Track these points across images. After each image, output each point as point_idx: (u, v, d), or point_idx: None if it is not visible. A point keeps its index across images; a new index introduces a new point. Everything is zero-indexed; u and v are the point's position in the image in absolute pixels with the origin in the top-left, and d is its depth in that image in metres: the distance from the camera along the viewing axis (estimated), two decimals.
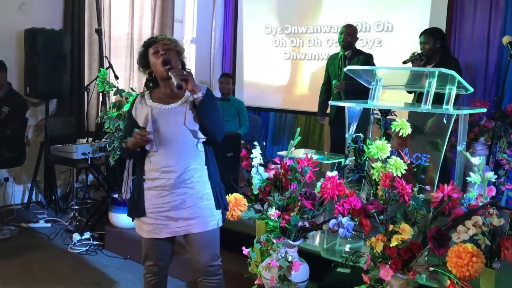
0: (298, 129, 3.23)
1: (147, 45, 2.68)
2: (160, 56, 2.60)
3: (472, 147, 4.81)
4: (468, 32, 5.31)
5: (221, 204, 2.72)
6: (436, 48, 4.54)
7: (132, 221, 2.80)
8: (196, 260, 2.70)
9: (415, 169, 3.18)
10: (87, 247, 4.55)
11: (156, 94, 2.72)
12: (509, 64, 4.25)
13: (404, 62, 4.53)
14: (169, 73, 2.56)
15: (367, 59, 5.08)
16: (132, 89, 4.48)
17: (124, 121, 4.15)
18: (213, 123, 2.63)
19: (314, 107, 6.30)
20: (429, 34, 4.60)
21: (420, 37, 4.66)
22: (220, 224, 2.73)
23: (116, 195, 4.51)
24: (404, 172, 2.93)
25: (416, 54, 4.53)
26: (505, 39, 4.45)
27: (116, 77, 5.43)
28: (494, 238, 2.45)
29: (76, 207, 5.21)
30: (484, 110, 3.79)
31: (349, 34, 5.10)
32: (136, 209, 2.70)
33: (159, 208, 2.63)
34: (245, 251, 3.06)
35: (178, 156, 2.61)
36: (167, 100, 2.67)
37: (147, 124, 2.61)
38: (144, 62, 2.71)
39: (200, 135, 2.62)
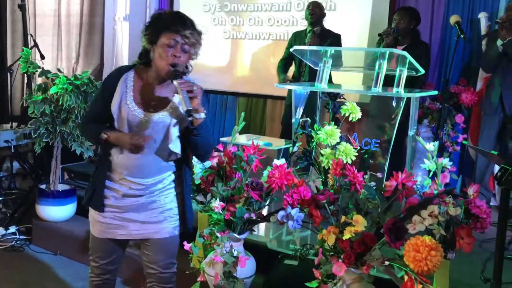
0: (243, 113, 3.04)
1: (163, 27, 2.27)
2: (172, 57, 2.25)
3: (417, 129, 4.79)
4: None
5: (185, 212, 2.48)
6: (409, 28, 4.47)
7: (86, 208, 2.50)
8: (151, 265, 2.45)
9: (365, 155, 3.08)
10: (13, 242, 4.25)
11: (142, 81, 2.36)
12: (457, 45, 4.20)
13: (379, 35, 4.46)
14: (176, 84, 2.21)
15: (337, 39, 4.89)
16: (59, 70, 4.15)
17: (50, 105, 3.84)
18: (205, 146, 2.36)
19: (255, 88, 6.15)
20: (405, 12, 4.55)
21: (394, 14, 4.60)
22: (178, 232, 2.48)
23: (43, 186, 4.20)
24: (354, 158, 2.81)
25: (391, 28, 4.46)
26: (452, 19, 4.41)
27: (42, 57, 5.09)
28: (448, 227, 2.38)
29: (1, 198, 4.84)
30: (435, 92, 3.74)
31: (317, 7, 4.91)
32: (92, 200, 2.40)
33: (117, 208, 2.37)
34: (187, 246, 2.87)
35: (147, 169, 2.34)
36: (150, 99, 2.31)
37: (121, 118, 2.29)
38: (152, 38, 2.29)
39: (179, 153, 2.37)
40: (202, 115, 2.23)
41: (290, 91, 4.62)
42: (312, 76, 4.48)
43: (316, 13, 4.86)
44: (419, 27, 4.70)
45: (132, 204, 2.36)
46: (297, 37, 5.09)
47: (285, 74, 5.06)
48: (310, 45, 4.64)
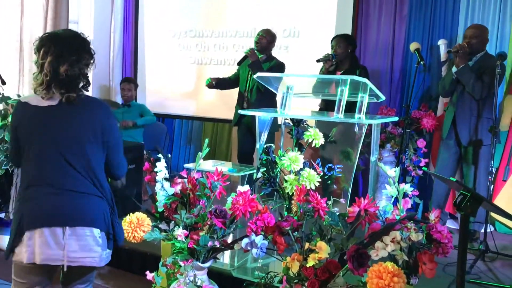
0: (207, 140, 3.03)
1: None
2: None
3: (379, 154, 4.84)
4: (373, 39, 5.37)
5: None
6: (347, 52, 4.61)
7: None
8: None
9: (328, 181, 3.08)
10: None
11: None
12: (417, 71, 4.30)
13: (318, 61, 4.54)
14: None
15: (279, 66, 4.91)
16: (19, 95, 4.06)
17: (9, 133, 3.75)
18: None
19: (221, 113, 6.13)
20: (341, 38, 4.69)
21: (332, 41, 4.72)
22: None
23: (2, 215, 4.07)
24: (317, 185, 2.82)
25: (329, 54, 4.56)
26: (412, 46, 4.52)
27: (3, 83, 4.96)
28: (411, 252, 2.39)
29: None
30: (396, 118, 3.80)
31: (265, 37, 4.92)
32: None
33: None
34: (149, 275, 2.81)
35: None
36: None
37: None
38: None
39: None
40: None
41: (236, 114, 4.90)
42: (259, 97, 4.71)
43: (262, 43, 4.91)
44: (380, 52, 4.80)
45: None
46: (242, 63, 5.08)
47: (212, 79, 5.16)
48: (249, 57, 4.73)
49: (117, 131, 2.42)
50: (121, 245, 2.49)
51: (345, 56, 4.62)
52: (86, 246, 2.26)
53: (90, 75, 2.43)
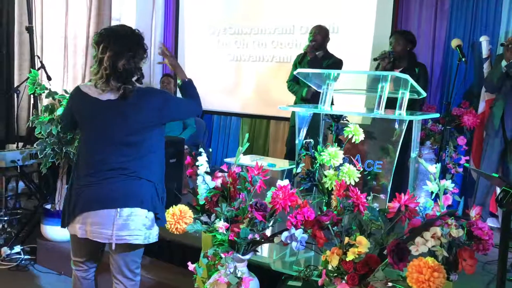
0: (247, 135, 3.08)
1: None
2: None
3: (419, 151, 4.80)
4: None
5: None
6: (406, 51, 4.52)
7: None
8: None
9: (368, 177, 3.09)
10: (18, 262, 4.24)
11: None
12: (458, 68, 4.25)
13: (375, 59, 4.50)
14: None
15: (337, 63, 4.81)
16: (65, 91, 4.18)
17: (57, 126, 3.89)
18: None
19: (259, 110, 6.19)
20: (401, 35, 4.61)
21: (390, 37, 4.65)
22: None
23: (49, 206, 4.21)
24: (357, 180, 2.83)
25: (386, 51, 4.50)
26: (454, 42, 4.46)
27: (49, 78, 5.11)
28: (451, 249, 2.38)
29: (6, 218, 4.85)
30: (437, 115, 3.76)
31: (319, 33, 4.83)
32: None
33: None
34: (191, 266, 2.87)
35: None
36: None
37: None
38: None
39: None
40: None
41: (293, 113, 4.63)
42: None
43: (317, 40, 4.80)
44: (421, 49, 4.74)
45: None
46: (299, 59, 5.07)
47: (306, 87, 4.75)
48: (308, 54, 4.67)
49: (174, 103, 2.71)
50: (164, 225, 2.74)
51: (403, 54, 4.53)
52: (133, 225, 2.50)
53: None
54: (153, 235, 2.62)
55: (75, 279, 2.83)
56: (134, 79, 2.54)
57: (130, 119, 2.49)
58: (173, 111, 2.66)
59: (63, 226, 2.65)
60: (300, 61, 4.88)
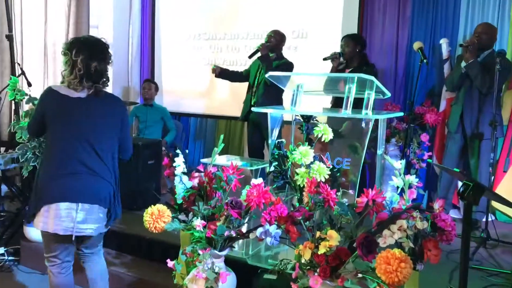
0: (221, 136, 3.06)
1: None
2: None
3: (385, 148, 4.84)
4: (378, 39, 5.36)
5: None
6: (355, 52, 4.56)
7: None
8: None
9: (337, 174, 3.09)
10: (2, 263, 4.14)
11: None
12: (420, 69, 4.29)
13: (325, 59, 4.55)
14: None
15: (288, 65, 4.89)
16: None
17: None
18: None
19: (234, 111, 6.15)
20: (350, 38, 4.64)
21: (341, 40, 4.69)
22: None
23: None
24: (327, 177, 2.83)
25: (336, 53, 4.56)
26: (416, 45, 4.50)
27: (29, 85, 5.01)
28: (417, 240, 2.40)
29: None
30: (401, 114, 3.80)
31: (274, 37, 4.91)
32: None
33: None
34: (170, 263, 2.85)
35: None
36: None
37: None
38: None
39: None
40: None
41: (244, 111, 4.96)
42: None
43: (271, 42, 4.89)
44: (385, 52, 4.77)
45: None
46: (253, 62, 5.12)
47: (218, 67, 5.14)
48: (260, 51, 4.76)
49: (128, 124, 2.91)
50: (119, 219, 2.88)
51: (353, 55, 4.58)
52: (92, 220, 2.63)
53: (111, 76, 2.77)
54: (105, 228, 2.77)
55: (51, 276, 2.80)
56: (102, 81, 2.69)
57: (98, 120, 2.64)
58: (126, 128, 2.83)
59: (28, 222, 2.75)
60: (251, 57, 4.93)
